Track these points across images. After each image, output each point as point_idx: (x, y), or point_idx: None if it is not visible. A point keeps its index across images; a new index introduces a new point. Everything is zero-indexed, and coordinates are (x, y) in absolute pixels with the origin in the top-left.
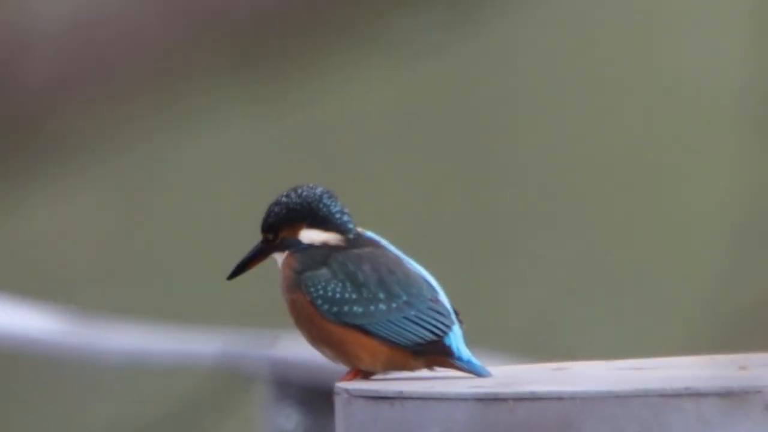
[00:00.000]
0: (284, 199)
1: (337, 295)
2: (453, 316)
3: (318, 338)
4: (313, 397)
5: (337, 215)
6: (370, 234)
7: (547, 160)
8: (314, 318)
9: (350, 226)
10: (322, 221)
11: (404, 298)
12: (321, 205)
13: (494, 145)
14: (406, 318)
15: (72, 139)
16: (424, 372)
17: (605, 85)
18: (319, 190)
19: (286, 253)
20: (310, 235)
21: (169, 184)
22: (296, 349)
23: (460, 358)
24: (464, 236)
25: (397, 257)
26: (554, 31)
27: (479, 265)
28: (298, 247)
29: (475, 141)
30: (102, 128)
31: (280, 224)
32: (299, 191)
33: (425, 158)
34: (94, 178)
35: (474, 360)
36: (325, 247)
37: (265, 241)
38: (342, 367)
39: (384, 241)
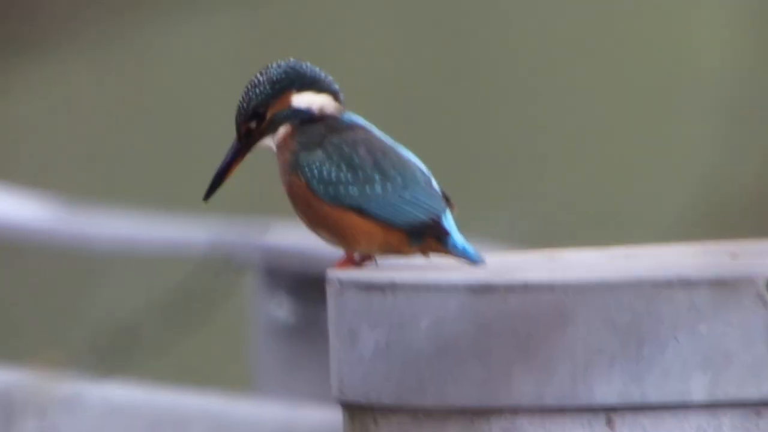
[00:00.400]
0: (262, 77)
1: (333, 177)
2: (444, 203)
3: (315, 221)
4: (305, 286)
5: (323, 75)
6: (360, 119)
7: (540, 42)
8: (311, 200)
9: (336, 87)
10: (312, 82)
11: (399, 180)
12: (305, 67)
13: (484, 32)
14: (401, 198)
15: (62, 24)
16: (419, 260)
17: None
18: (293, 60)
19: (282, 134)
20: (303, 99)
21: (159, 72)
22: (288, 237)
23: (454, 244)
24: (457, 122)
25: (388, 142)
26: None
27: (471, 156)
28: (294, 118)
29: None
30: (92, 15)
31: (267, 101)
32: (275, 64)
33: (413, 46)
34: (84, 66)
35: (468, 247)
36: (321, 126)
37: (245, 134)
38: (336, 255)
39: (374, 128)
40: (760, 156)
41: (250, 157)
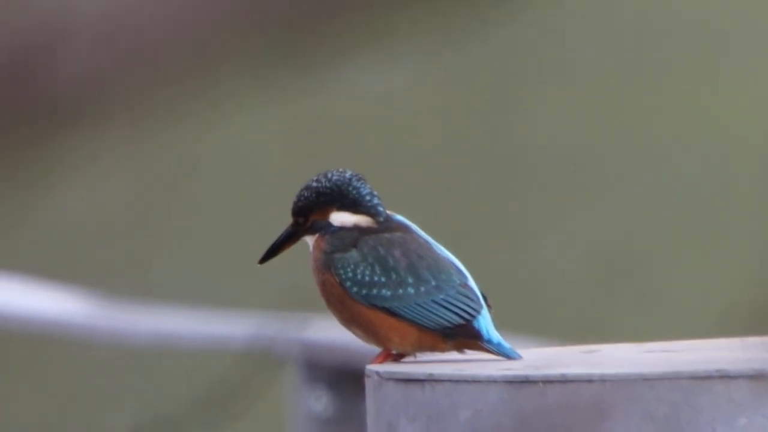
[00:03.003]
0: (314, 184)
1: (366, 278)
2: (482, 301)
3: (349, 319)
4: (344, 380)
5: (367, 198)
6: (400, 218)
7: (570, 134)
8: (344, 299)
9: (380, 209)
10: (352, 204)
11: (433, 282)
12: (350, 188)
13: (516, 136)
14: (434, 302)
15: (105, 122)
16: (455, 354)
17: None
18: (348, 174)
19: (317, 236)
20: (340, 218)
21: (202, 168)
22: (327, 332)
23: (489, 341)
24: (493, 220)
25: (426, 242)
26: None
27: (508, 250)
28: (328, 229)
29: (496, 129)
30: (135, 112)
31: (311, 208)
32: (329, 175)
33: (456, 143)
34: (127, 162)
35: (504, 343)
36: (355, 229)
37: (295, 224)
38: (373, 350)
39: (414, 226)
40: None
41: (288, 254)
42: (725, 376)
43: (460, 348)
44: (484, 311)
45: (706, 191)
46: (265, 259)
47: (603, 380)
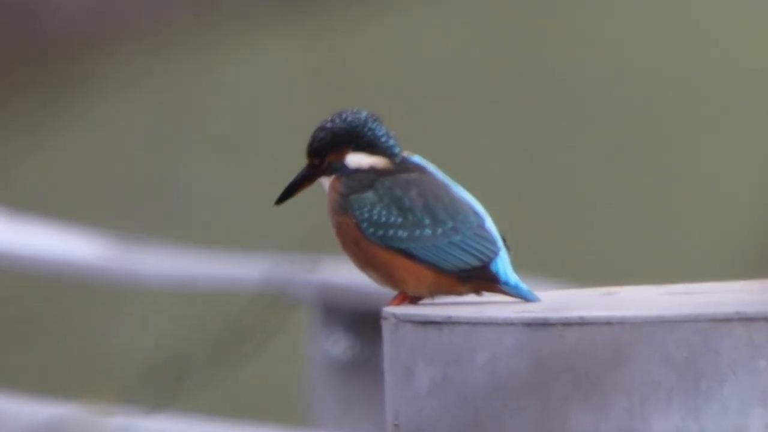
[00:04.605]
0: (329, 125)
1: (383, 219)
2: (500, 243)
3: (364, 261)
4: (361, 322)
5: (383, 139)
6: (416, 158)
7: (605, 94)
8: (360, 241)
9: (396, 150)
10: (368, 145)
11: (450, 224)
12: (366, 129)
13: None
14: (451, 243)
15: (109, 64)
16: (472, 297)
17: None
18: (363, 114)
19: (332, 177)
20: (356, 159)
21: (213, 107)
22: (343, 273)
23: (507, 283)
24: (516, 166)
25: (443, 183)
26: None
27: (530, 193)
28: (344, 170)
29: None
30: (139, 53)
31: (326, 149)
32: (344, 116)
33: (476, 90)
34: (136, 99)
35: (522, 285)
36: (371, 171)
37: (311, 166)
38: (390, 292)
39: (431, 166)
40: None
41: (302, 195)
42: (745, 318)
43: (477, 290)
44: (502, 253)
45: (716, 129)
46: (281, 200)
47: (622, 323)
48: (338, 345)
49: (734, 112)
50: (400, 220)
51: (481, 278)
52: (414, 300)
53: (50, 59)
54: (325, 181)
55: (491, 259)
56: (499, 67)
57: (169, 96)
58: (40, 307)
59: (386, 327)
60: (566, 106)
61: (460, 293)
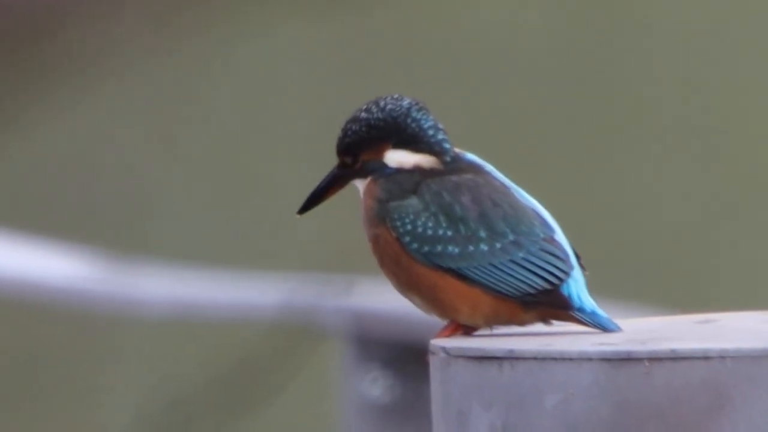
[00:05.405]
0: (364, 115)
1: (429, 232)
2: (573, 260)
3: (406, 284)
4: (403, 357)
5: (430, 132)
6: (471, 156)
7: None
8: (401, 258)
9: (446, 145)
10: (412, 140)
11: (511, 237)
12: (409, 120)
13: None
14: (512, 261)
15: (102, 47)
16: (538, 326)
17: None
18: (406, 102)
19: (368, 179)
20: (397, 157)
21: (213, 98)
22: (381, 297)
23: (581, 310)
24: (585, 163)
25: (504, 186)
26: None
27: (606, 204)
28: (383, 171)
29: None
30: (145, 35)
31: (361, 145)
32: (382, 104)
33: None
34: (137, 90)
35: (599, 311)
36: (416, 171)
37: (341, 165)
38: (438, 321)
39: (488, 166)
40: None
41: (332, 202)
42: None
43: (545, 318)
44: (576, 273)
45: None
46: (305, 208)
47: (722, 356)
48: (376, 385)
49: None
50: (450, 233)
51: (549, 304)
52: (468, 330)
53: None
54: (360, 185)
55: (562, 281)
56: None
57: (167, 83)
58: (10, 342)
59: (434, 363)
60: (650, 108)
61: (523, 322)
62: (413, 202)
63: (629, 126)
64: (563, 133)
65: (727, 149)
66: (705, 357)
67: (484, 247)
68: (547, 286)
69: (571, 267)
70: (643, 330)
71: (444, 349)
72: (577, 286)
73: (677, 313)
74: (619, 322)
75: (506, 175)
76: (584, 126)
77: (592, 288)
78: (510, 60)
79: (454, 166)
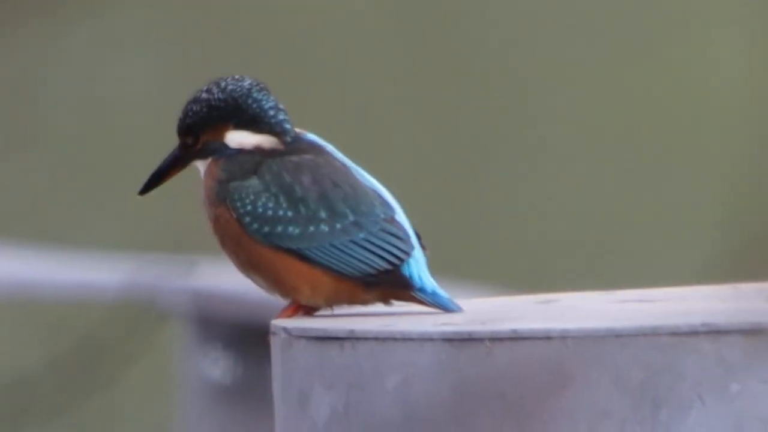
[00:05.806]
0: (204, 95)
1: (269, 212)
2: (413, 240)
3: (247, 264)
4: (245, 338)
5: (271, 113)
6: (311, 137)
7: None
8: (242, 239)
9: (287, 126)
10: (253, 120)
11: (351, 217)
12: (250, 101)
13: (475, 50)
14: (353, 242)
15: None
16: (380, 306)
17: None
18: (247, 83)
19: (209, 160)
20: (238, 138)
21: (61, 80)
22: (222, 278)
23: (422, 290)
24: (429, 144)
25: (344, 166)
26: None
27: (448, 179)
28: (224, 152)
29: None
30: None
31: (201, 125)
32: (223, 84)
33: (385, 46)
34: None
35: (440, 292)
36: (257, 152)
37: (183, 146)
38: (279, 301)
39: (329, 146)
40: None
41: (173, 183)
42: (714, 332)
43: (386, 299)
44: (417, 253)
45: (682, 115)
46: (146, 188)
47: (563, 337)
48: (217, 365)
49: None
50: (290, 213)
51: (390, 284)
52: (309, 311)
53: None
54: (201, 165)
55: (403, 261)
56: (408, 18)
57: (18, 66)
58: None
59: (275, 344)
60: (497, 73)
61: (364, 302)
62: (254, 182)
63: (472, 100)
64: (412, 109)
65: (587, 135)
66: (547, 337)
67: (324, 227)
68: (387, 266)
69: (412, 247)
70: (485, 310)
71: (285, 330)
72: (417, 267)
73: (519, 293)
74: (461, 302)
75: (349, 156)
76: (435, 102)
77: (434, 267)
78: (350, 41)
79: (295, 146)
